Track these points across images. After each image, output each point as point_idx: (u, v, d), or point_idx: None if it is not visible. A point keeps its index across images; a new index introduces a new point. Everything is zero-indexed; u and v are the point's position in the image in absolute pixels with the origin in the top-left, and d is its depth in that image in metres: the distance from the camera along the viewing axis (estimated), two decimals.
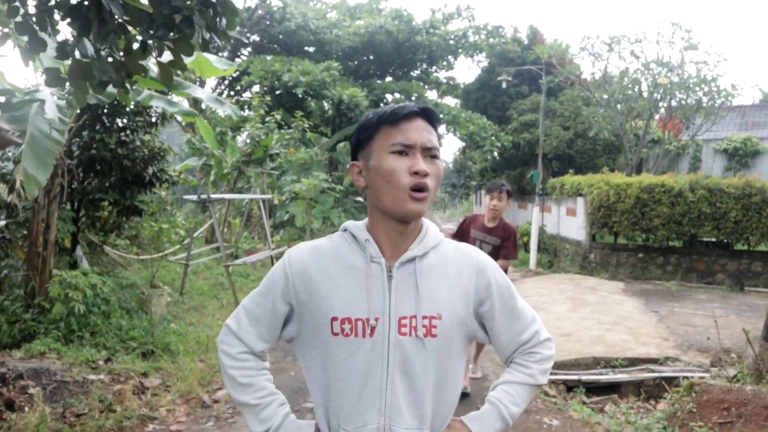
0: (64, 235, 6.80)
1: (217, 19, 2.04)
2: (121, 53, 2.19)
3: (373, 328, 1.29)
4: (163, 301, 6.71)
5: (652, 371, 5.64)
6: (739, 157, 19.22)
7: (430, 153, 1.31)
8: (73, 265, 6.95)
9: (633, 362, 5.86)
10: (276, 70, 16.11)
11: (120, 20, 1.85)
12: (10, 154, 6.93)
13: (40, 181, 4.54)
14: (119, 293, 6.59)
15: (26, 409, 4.01)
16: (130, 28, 2.10)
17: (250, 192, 11.73)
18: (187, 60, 2.86)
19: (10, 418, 3.82)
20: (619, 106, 16.29)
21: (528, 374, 1.43)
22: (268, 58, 17.33)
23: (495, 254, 4.53)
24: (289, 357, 5.68)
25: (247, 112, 15.71)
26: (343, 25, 19.24)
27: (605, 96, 16.57)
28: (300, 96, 16.49)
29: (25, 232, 6.42)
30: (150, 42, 2.07)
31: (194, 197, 7.91)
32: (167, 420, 4.28)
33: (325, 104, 17.01)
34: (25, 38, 2.55)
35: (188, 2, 1.93)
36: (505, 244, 4.54)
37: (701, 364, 5.78)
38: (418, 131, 1.30)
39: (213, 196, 8.02)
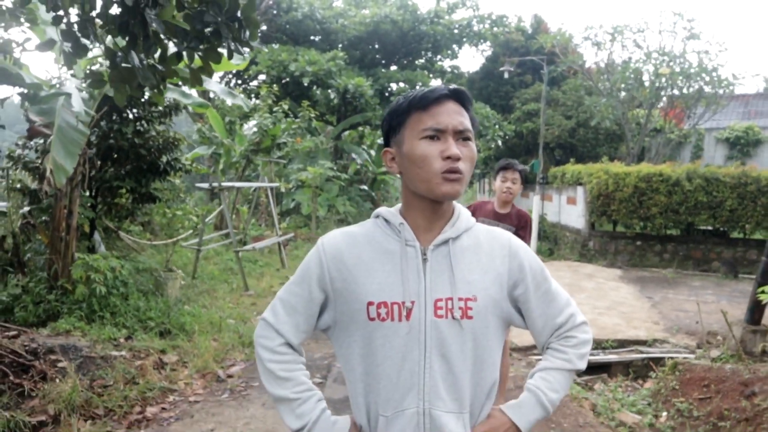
0: (83, 220, 7.12)
1: (242, 32, 2.34)
2: (156, 60, 2.50)
3: (409, 311, 1.29)
4: (177, 285, 7.06)
5: (641, 352, 5.96)
6: (741, 146, 19.39)
7: (462, 136, 1.30)
8: (91, 250, 7.29)
9: (623, 344, 6.18)
10: (283, 60, 16.38)
11: (161, 35, 2.15)
12: (32, 143, 7.27)
13: (68, 170, 4.86)
14: (135, 276, 6.94)
15: (57, 380, 4.36)
16: (164, 38, 2.40)
17: (257, 180, 12.06)
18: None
19: (44, 388, 4.17)
20: (622, 94, 16.50)
21: (565, 359, 1.40)
22: (275, 47, 17.58)
23: None
24: None
25: (254, 101, 16.00)
26: (349, 14, 19.44)
27: (608, 84, 16.76)
28: (306, 85, 16.76)
29: (46, 218, 6.76)
30: (183, 51, 2.38)
31: (206, 185, 8.23)
32: (186, 392, 4.63)
33: (331, 93, 17.27)
34: (68, 44, 2.86)
35: (217, 18, 2.23)
36: (520, 234, 3.90)
37: (688, 346, 6.09)
38: (449, 114, 1.29)
39: (224, 184, 8.33)
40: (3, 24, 4.71)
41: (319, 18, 18.79)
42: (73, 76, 6.71)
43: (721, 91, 15.66)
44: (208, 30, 2.26)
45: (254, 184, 10.39)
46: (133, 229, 9.72)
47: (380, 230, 1.39)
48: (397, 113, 1.34)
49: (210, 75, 2.56)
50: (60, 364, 4.66)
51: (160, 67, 2.43)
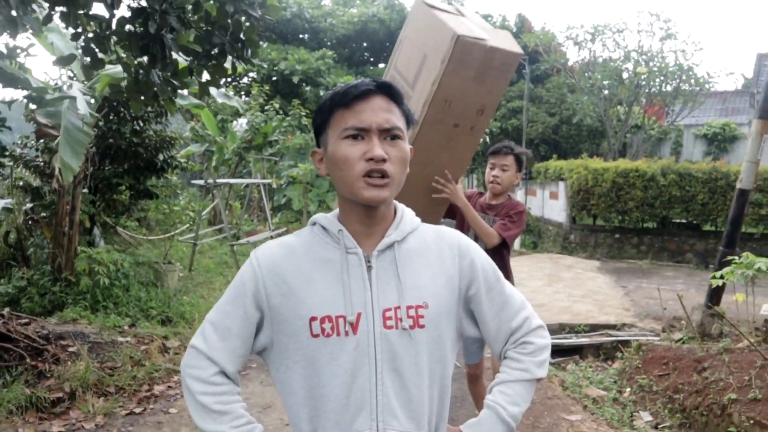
0: (84, 216, 7.47)
1: (244, 51, 2.73)
2: (168, 74, 2.88)
3: (354, 324, 1.19)
4: (175, 277, 7.43)
5: (610, 335, 6.42)
6: (718, 142, 19.97)
7: (390, 134, 1.19)
8: (91, 244, 7.63)
9: (594, 328, 6.63)
10: (273, 58, 16.71)
11: (175, 54, 2.53)
12: (31, 142, 7.61)
13: (74, 169, 5.20)
14: (135, 269, 7.30)
15: (69, 362, 4.73)
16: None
17: (249, 177, 12.42)
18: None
19: (58, 369, 4.54)
20: (605, 92, 17.00)
21: (522, 369, 1.32)
22: (265, 45, 17.89)
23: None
24: None
25: (244, 98, 16.32)
26: (337, 14, 19.82)
27: (590, 82, 17.25)
28: (296, 83, 17.13)
29: (45, 214, 7.10)
30: (194, 68, 2.76)
31: (201, 182, 8.58)
32: None
33: (320, 91, 17.63)
34: (87, 58, 3.23)
35: (223, 39, 2.61)
36: (501, 222, 3.14)
37: (653, 330, 6.56)
38: (374, 111, 1.18)
39: (219, 180, 8.70)
40: (9, 31, 5.06)
41: (307, 17, 19.14)
42: (71, 78, 7.05)
43: (697, 89, 16.20)
44: (215, 49, 2.65)
45: (248, 181, 10.76)
46: (130, 225, 10.05)
47: (318, 238, 1.28)
48: (322, 111, 1.24)
49: (217, 87, 2.96)
50: (70, 349, 5.02)
51: (174, 81, 2.81)
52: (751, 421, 3.87)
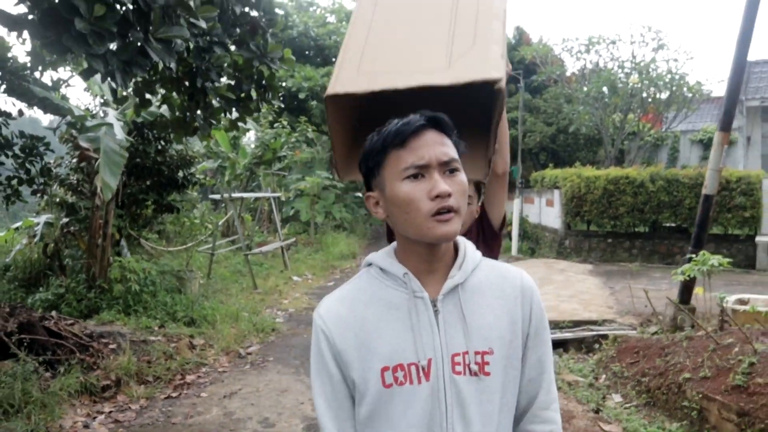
0: (113, 229, 8.21)
1: (267, 94, 3.44)
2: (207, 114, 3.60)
3: (425, 370, 1.16)
4: (197, 284, 8.15)
5: (591, 330, 7.06)
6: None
7: (448, 167, 1.15)
8: (119, 255, 8.37)
9: (578, 324, 7.28)
10: (280, 76, 17.50)
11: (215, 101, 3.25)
12: (65, 162, 8.38)
13: (113, 188, 5.93)
14: (161, 277, 8.02)
15: (111, 357, 5.44)
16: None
17: (259, 190, 13.16)
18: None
19: (104, 362, 5.25)
20: (605, 100, 17.68)
21: None
22: None
23: None
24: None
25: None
26: (341, 31, 20.60)
27: (585, 92, 17.93)
28: (302, 99, 17.92)
29: (78, 227, 7.84)
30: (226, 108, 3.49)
31: (218, 196, 9.31)
32: (215, 365, 5.72)
33: None
34: (137, 98, 3.96)
35: (250, 85, 3.32)
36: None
37: (632, 324, 7.20)
38: (430, 146, 1.14)
39: (234, 195, 9.42)
40: (52, 66, 5.82)
41: (313, 35, 19.95)
42: (104, 105, 7.81)
43: (689, 96, 16.85)
44: (243, 93, 3.35)
45: (261, 195, 11.48)
46: (151, 237, 10.79)
47: (378, 282, 1.24)
48: (373, 153, 1.18)
49: (245, 123, 3.67)
50: (111, 346, 5.74)
51: (212, 120, 3.52)
52: (700, 395, 4.52)
